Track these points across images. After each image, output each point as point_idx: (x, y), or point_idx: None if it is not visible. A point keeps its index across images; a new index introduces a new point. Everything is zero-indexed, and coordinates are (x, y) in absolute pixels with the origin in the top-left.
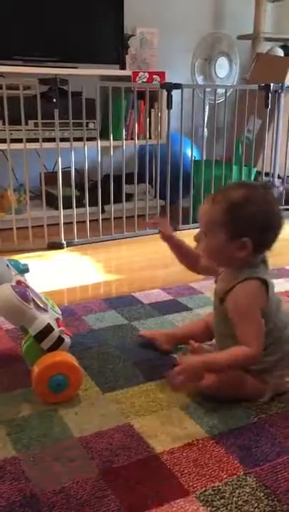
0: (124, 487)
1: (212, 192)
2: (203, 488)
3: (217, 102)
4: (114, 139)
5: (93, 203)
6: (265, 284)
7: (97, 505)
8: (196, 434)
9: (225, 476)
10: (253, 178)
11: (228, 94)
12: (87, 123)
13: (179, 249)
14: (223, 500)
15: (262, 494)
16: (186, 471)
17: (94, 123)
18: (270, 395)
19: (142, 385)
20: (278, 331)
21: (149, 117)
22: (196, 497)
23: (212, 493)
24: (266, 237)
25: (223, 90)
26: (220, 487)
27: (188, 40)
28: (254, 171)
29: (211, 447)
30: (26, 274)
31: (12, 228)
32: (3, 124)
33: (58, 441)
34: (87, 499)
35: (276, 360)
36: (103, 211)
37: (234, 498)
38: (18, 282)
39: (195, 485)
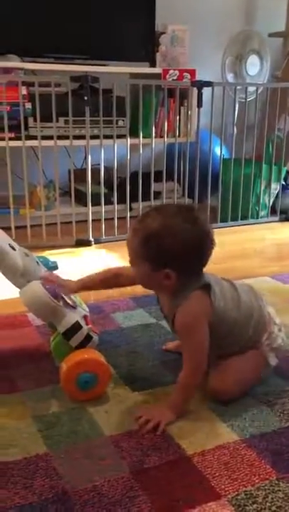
0: (155, 488)
1: (241, 191)
2: (236, 492)
3: (247, 100)
4: (143, 137)
5: (121, 200)
6: (207, 289)
7: (128, 505)
8: (228, 437)
9: (257, 481)
10: (283, 177)
11: (258, 92)
12: (116, 120)
13: (96, 286)
14: (255, 505)
15: None
16: (217, 474)
17: (123, 120)
18: (273, 356)
19: (171, 385)
20: (240, 312)
21: (179, 115)
22: (228, 501)
23: (244, 497)
24: (189, 264)
25: (254, 88)
26: (252, 492)
27: (219, 37)
28: (284, 170)
29: (242, 451)
30: (56, 271)
31: (41, 224)
32: (35, 121)
33: (88, 438)
34: (118, 499)
35: (253, 333)
36: (131, 209)
37: (267, 504)
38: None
39: (227, 488)
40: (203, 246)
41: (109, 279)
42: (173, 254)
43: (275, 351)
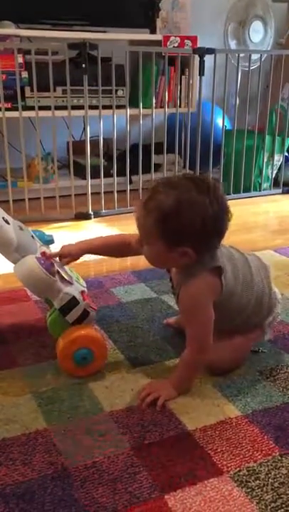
0: (156, 464)
1: (243, 163)
2: (238, 468)
3: (251, 68)
4: (143, 107)
5: (121, 173)
6: (218, 271)
7: (129, 482)
8: (229, 412)
9: (260, 457)
10: (286, 148)
11: (262, 60)
12: (116, 90)
13: (101, 251)
14: (258, 482)
15: None
16: (219, 450)
17: (123, 90)
18: (270, 332)
19: (172, 360)
20: (252, 296)
21: (180, 84)
22: (230, 477)
23: (247, 473)
24: (208, 239)
25: (258, 56)
26: (255, 468)
27: (222, 2)
28: (288, 141)
29: (244, 426)
30: (52, 246)
31: (39, 198)
32: (32, 90)
33: (88, 414)
34: (119, 475)
35: (262, 316)
36: (131, 182)
37: (270, 480)
38: (43, 254)
39: (229, 464)
40: (221, 220)
41: (120, 246)
42: (192, 232)
43: (272, 327)
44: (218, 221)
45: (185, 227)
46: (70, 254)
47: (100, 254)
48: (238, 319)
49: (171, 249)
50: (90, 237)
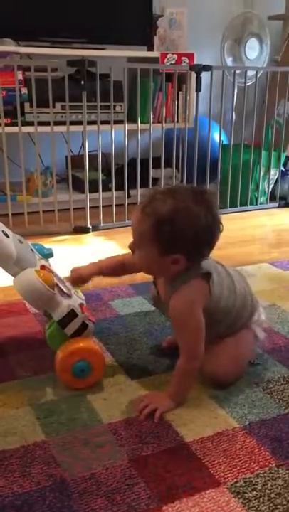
0: (154, 475)
1: (240, 177)
2: (235, 480)
3: (247, 84)
4: (141, 123)
5: (119, 187)
6: (207, 277)
7: (127, 493)
8: (227, 424)
9: (256, 468)
10: (282, 163)
11: (258, 76)
12: (114, 106)
13: (104, 272)
14: (255, 493)
15: None
16: (216, 462)
17: (121, 106)
18: (260, 330)
19: (170, 372)
20: (236, 299)
21: (177, 100)
22: (228, 488)
23: (244, 484)
24: (199, 249)
25: (253, 72)
26: (251, 479)
27: (218, 20)
28: (283, 156)
29: (241, 438)
30: (50, 259)
31: (38, 211)
32: (31, 106)
33: (86, 426)
34: (117, 487)
35: (247, 317)
36: (129, 196)
37: (266, 491)
38: (42, 267)
39: (226, 476)
40: (214, 231)
41: (117, 266)
42: (185, 240)
43: (261, 325)
44: (210, 232)
45: (178, 236)
46: (80, 279)
47: (106, 276)
48: (225, 321)
49: (163, 255)
50: (88, 250)
